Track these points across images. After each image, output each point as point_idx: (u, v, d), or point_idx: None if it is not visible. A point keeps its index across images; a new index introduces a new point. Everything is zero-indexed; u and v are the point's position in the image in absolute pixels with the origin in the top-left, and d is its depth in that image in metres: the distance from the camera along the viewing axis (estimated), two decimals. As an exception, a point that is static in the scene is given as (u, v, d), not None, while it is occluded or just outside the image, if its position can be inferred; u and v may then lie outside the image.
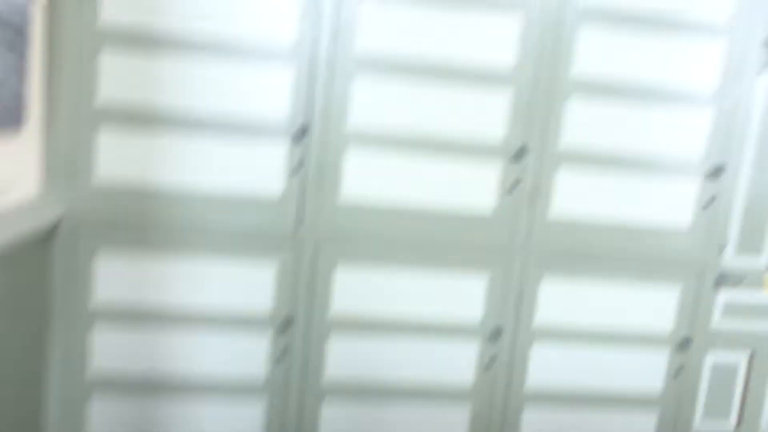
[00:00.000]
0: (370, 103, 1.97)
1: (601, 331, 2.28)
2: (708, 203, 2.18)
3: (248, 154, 1.96)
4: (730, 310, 2.85)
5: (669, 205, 2.18)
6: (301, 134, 1.96)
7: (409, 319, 2.14)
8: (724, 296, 2.86)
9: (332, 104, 1.96)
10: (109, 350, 2.01)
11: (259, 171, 1.98)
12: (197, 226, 1.97)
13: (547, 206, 2.12)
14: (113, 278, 1.97)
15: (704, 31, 2.08)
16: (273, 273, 2.04)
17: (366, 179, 2.01)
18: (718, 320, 2.88)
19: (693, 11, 2.05)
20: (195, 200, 1.96)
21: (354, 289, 2.07)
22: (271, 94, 1.93)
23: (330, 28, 1.92)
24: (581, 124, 2.08)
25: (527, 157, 2.07)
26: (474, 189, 2.07)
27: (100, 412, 2.02)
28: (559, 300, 2.20)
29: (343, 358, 2.12)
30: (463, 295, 2.15)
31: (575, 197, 2.12)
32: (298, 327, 2.07)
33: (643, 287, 2.27)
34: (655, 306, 2.29)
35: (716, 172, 2.16)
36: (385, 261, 2.07)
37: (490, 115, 2.04)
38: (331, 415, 2.15)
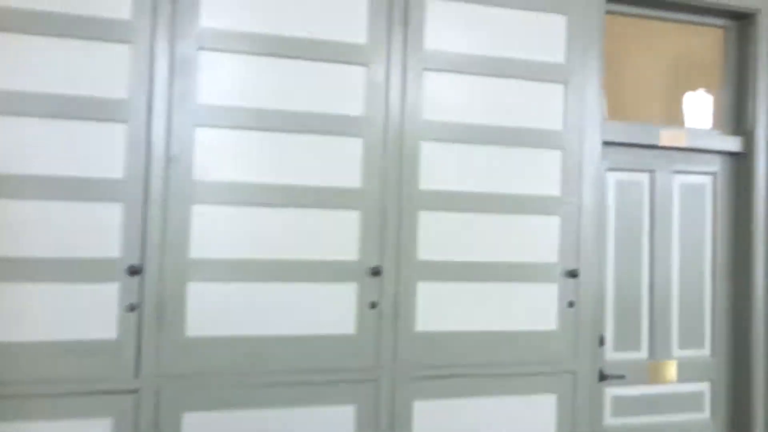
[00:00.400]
0: (212, 232, 1.86)
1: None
2: (571, 304, 2.18)
3: (79, 296, 1.78)
4: (618, 406, 2.83)
5: (534, 309, 2.16)
6: (135, 271, 1.82)
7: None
8: (609, 393, 2.85)
9: (169, 236, 1.84)
10: None
11: (91, 313, 1.79)
12: (26, 381, 1.73)
13: (412, 321, 2.04)
14: None
15: (542, 140, 2.17)
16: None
17: (214, 312, 1.87)
18: (608, 417, 2.85)
19: (530, 123, 2.15)
20: (22, 351, 1.73)
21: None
22: (101, 231, 1.80)
23: (162, 158, 1.84)
24: (435, 236, 2.06)
25: (385, 274, 2.01)
26: (333, 308, 1.97)
27: None
28: (435, 423, 2.07)
29: None
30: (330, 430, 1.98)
31: (438, 310, 2.06)
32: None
33: (520, 396, 2.20)
34: (535, 414, 2.21)
35: (573, 273, 2.18)
36: (237, 403, 1.89)
37: (342, 235, 1.98)
38: None
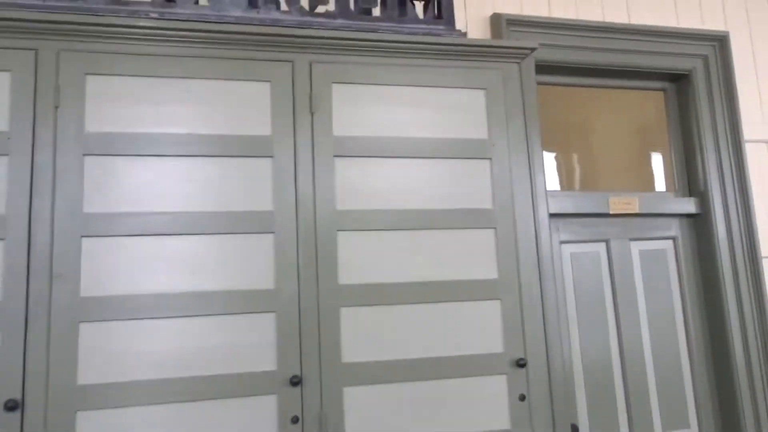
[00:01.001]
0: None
1: None
2: (522, 397, 1.96)
3: None
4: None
5: (482, 406, 1.93)
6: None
7: None
8: (592, 489, 2.57)
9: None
10: None
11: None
12: None
13: (340, 437, 1.81)
14: None
15: (471, 220, 2.04)
16: None
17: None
18: None
19: (456, 204, 2.02)
20: None
21: None
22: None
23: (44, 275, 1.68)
24: (360, 335, 1.87)
25: (306, 383, 1.80)
26: (251, 423, 1.75)
27: None
28: None
29: None
30: None
31: (371, 419, 1.84)
32: None
33: None
34: None
35: (520, 363, 1.97)
36: None
37: (257, 343, 1.79)
38: None
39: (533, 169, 2.57)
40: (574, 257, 2.73)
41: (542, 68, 2.75)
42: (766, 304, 2.73)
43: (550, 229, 2.64)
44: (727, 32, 2.93)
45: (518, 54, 2.16)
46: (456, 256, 2.01)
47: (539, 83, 2.82)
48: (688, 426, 2.73)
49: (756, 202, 2.87)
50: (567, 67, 2.78)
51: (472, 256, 2.02)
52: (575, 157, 2.85)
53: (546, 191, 2.62)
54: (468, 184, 2.06)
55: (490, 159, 2.09)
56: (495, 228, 2.06)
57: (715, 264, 2.77)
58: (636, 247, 2.83)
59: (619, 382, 2.68)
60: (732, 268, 2.76)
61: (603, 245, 2.78)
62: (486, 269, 2.03)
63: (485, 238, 2.05)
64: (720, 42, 2.92)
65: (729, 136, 2.86)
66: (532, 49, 2.17)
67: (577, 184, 2.82)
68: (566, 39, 2.72)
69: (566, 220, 2.74)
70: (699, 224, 2.87)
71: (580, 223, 2.76)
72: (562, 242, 2.72)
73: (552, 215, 2.69)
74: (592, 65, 2.78)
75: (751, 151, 2.92)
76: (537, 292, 2.03)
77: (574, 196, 2.73)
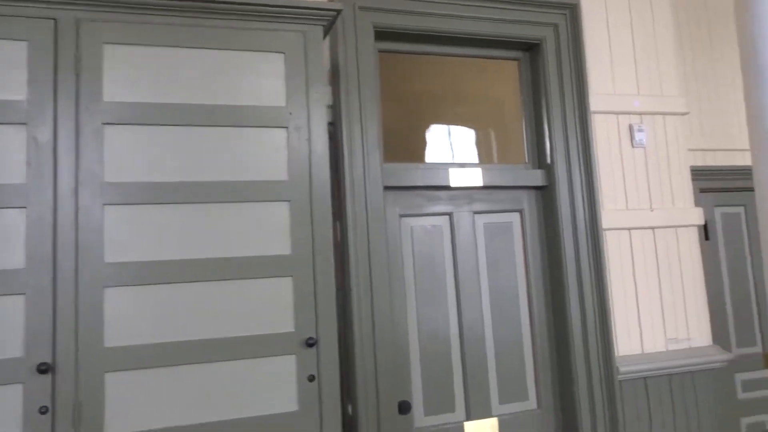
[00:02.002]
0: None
1: None
2: (311, 378, 1.88)
3: None
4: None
5: (269, 388, 1.85)
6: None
7: None
8: (423, 465, 2.54)
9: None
10: None
11: None
12: None
13: (100, 425, 1.70)
14: None
15: (263, 192, 1.92)
16: None
17: None
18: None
19: (258, 174, 1.91)
20: None
21: None
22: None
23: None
24: (130, 317, 1.75)
25: (59, 370, 1.67)
26: None
27: None
28: None
29: None
30: None
31: (140, 406, 1.72)
32: None
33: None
34: None
35: (310, 342, 1.89)
36: None
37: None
38: None
39: (367, 139, 2.47)
40: (414, 231, 2.66)
41: (385, 35, 2.63)
42: (604, 278, 2.73)
43: (384, 202, 2.56)
44: (578, 1, 2.86)
45: (322, 16, 2.03)
46: (246, 231, 1.89)
47: (382, 51, 2.70)
48: (526, 398, 2.73)
49: (601, 173, 2.85)
50: (414, 35, 2.67)
51: (264, 231, 1.91)
52: (423, 127, 2.76)
53: (381, 163, 2.53)
54: (261, 155, 1.94)
55: (287, 128, 1.97)
56: (289, 201, 1.95)
57: (558, 238, 2.75)
58: (481, 220, 2.77)
59: (456, 357, 2.64)
60: (574, 241, 2.74)
61: (446, 218, 2.72)
62: (279, 245, 1.92)
63: (279, 212, 1.93)
64: (570, 10, 2.85)
65: (576, 107, 2.82)
66: (338, 12, 2.04)
67: (426, 158, 2.73)
68: (411, 4, 2.60)
69: (408, 192, 2.66)
70: (546, 197, 2.83)
71: (425, 196, 2.69)
72: (402, 216, 2.64)
73: (391, 188, 2.60)
74: (442, 32, 2.67)
75: (599, 123, 2.89)
76: (331, 269, 1.94)
77: (416, 169, 2.65)
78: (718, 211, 3.81)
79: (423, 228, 2.67)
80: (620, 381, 2.73)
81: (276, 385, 1.87)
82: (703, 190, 3.87)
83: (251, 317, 1.88)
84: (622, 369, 2.71)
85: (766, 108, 2.66)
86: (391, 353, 2.42)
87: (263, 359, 1.87)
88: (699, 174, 3.84)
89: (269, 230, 1.91)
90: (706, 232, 3.92)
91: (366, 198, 2.45)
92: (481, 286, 2.71)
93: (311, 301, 1.92)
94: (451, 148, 2.77)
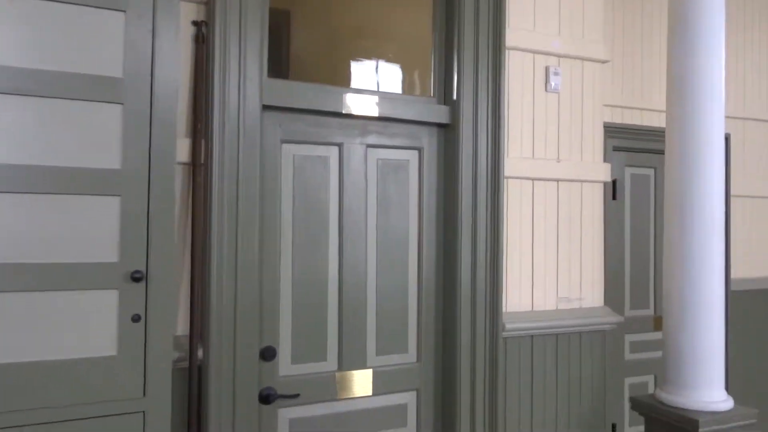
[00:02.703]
0: None
1: None
2: (136, 318, 1.57)
3: None
4: (298, 430, 2.30)
5: (85, 327, 1.53)
6: None
7: None
8: (284, 416, 2.32)
9: None
10: None
11: None
12: None
13: None
14: None
15: (98, 93, 1.54)
16: None
17: None
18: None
19: (84, 67, 1.52)
20: None
21: None
22: None
23: None
24: None
25: None
26: None
27: None
28: None
29: None
30: None
31: None
32: None
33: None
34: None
35: (137, 277, 1.57)
36: None
37: None
38: None
39: (245, 47, 2.11)
40: (297, 161, 2.35)
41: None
42: (501, 230, 2.54)
43: (263, 123, 2.22)
44: None
45: None
46: (67, 137, 1.52)
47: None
48: (405, 351, 2.54)
49: (510, 116, 2.62)
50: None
51: (88, 140, 1.55)
52: (324, 52, 2.42)
53: (263, 77, 2.18)
54: (87, 42, 1.55)
55: (124, 12, 1.58)
56: (122, 104, 1.59)
57: (456, 182, 2.52)
58: (374, 155, 2.49)
59: (333, 304, 2.40)
60: (473, 187, 2.52)
61: (335, 149, 2.42)
62: (106, 157, 1.57)
63: (108, 115, 1.57)
64: (495, -71, 2.53)
65: (491, 40, 2.54)
66: None
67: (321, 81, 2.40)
68: None
69: (293, 115, 2.33)
70: (449, 136, 2.58)
71: (313, 122, 2.37)
72: (283, 141, 2.32)
73: (273, 108, 2.26)
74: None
75: (514, 61, 2.64)
76: (171, 191, 1.61)
77: (304, 89, 2.31)
78: (628, 171, 3.70)
79: (308, 158, 2.37)
80: (506, 338, 2.59)
81: (94, 324, 1.56)
82: (616, 149, 3.75)
83: (70, 242, 1.54)
84: (508, 326, 2.56)
85: (687, 71, 2.49)
86: (256, 296, 2.15)
87: (80, 293, 1.55)
88: (613, 131, 3.70)
89: (94, 139, 1.55)
90: (614, 191, 3.83)
91: (240, 116, 2.11)
92: (368, 228, 2.46)
93: (142, 228, 1.59)
94: (351, 74, 2.45)
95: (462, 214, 2.50)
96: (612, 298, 3.51)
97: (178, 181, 2.04)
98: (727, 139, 4.10)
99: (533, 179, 2.67)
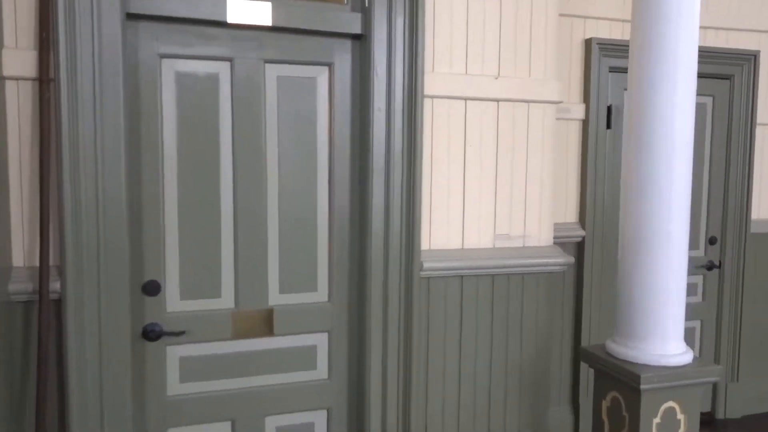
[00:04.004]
0: None
1: None
2: None
3: None
4: (189, 369, 2.15)
5: None
6: None
7: None
8: (174, 354, 2.19)
9: None
10: None
11: None
12: None
13: None
14: None
15: None
16: None
17: None
18: (175, 384, 2.17)
19: None
20: None
21: None
22: None
23: None
24: None
25: None
26: None
27: None
28: None
29: None
30: None
31: None
32: None
33: None
34: None
35: None
36: None
37: None
38: None
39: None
40: (181, 78, 2.10)
41: None
42: (417, 157, 2.23)
43: (124, 33, 1.96)
44: None
45: None
46: None
47: None
48: (315, 289, 2.33)
49: (436, 22, 2.25)
50: None
51: None
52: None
53: (124, -20, 1.92)
54: None
55: None
56: None
57: (369, 103, 2.21)
58: (274, 72, 2.21)
59: (228, 236, 2.20)
60: (386, 108, 2.21)
61: (226, 65, 2.15)
62: None
63: None
64: None
65: (409, -68, 2.15)
66: None
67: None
68: None
69: (172, 26, 2.07)
70: (363, 50, 2.25)
71: (196, 33, 2.10)
72: (162, 56, 2.07)
73: (143, 17, 2.01)
74: None
75: (442, -43, 2.24)
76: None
77: (180, -5, 2.03)
78: (627, 96, 3.23)
79: (193, 75, 2.12)
80: (428, 278, 2.33)
81: None
82: (612, 69, 3.29)
83: None
84: (429, 265, 2.30)
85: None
86: (125, 227, 1.97)
87: None
88: (608, 49, 3.25)
89: None
90: (608, 118, 3.40)
91: (94, 24, 1.88)
92: (267, 154, 2.21)
93: None
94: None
95: (374, 138, 2.21)
96: (609, 232, 3.18)
97: (22, 97, 1.86)
98: (755, 56, 3.52)
99: (465, 99, 2.32)
